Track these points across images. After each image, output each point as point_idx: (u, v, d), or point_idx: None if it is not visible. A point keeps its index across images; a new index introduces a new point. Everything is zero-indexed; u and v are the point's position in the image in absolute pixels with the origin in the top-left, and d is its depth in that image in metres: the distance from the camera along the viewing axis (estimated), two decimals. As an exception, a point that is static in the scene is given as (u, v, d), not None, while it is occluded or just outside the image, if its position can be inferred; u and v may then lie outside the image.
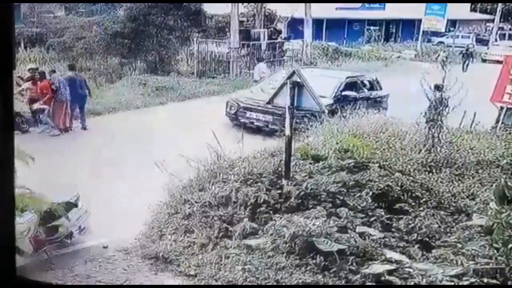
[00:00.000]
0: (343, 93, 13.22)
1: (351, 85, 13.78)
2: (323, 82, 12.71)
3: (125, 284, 6.47)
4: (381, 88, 14.79)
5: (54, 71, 13.33)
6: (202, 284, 6.33)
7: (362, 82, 14.40)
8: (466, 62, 23.79)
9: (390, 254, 6.43)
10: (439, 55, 23.29)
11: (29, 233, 6.50)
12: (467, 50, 25.02)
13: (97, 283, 6.40)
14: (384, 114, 12.62)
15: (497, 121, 11.83)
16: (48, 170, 8.05)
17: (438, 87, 12.20)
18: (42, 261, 6.66)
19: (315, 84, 11.78)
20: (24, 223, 6.36)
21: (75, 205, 7.26)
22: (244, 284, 6.21)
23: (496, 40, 32.05)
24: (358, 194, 7.52)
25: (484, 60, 27.42)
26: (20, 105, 12.63)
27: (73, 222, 7.01)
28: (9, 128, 3.42)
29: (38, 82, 12.48)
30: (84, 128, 13.19)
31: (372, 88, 14.50)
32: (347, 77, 13.92)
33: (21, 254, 6.35)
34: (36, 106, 12.44)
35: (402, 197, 7.63)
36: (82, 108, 13.33)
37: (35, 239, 6.57)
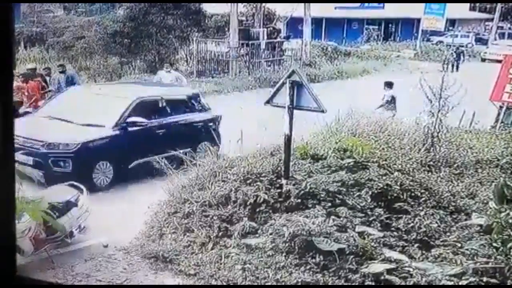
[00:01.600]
0: (130, 119, 9.58)
1: (147, 107, 10.04)
2: (109, 105, 9.96)
3: (125, 283, 6.48)
4: (206, 109, 11.15)
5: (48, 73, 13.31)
6: (201, 283, 6.35)
7: (169, 102, 10.35)
8: (456, 62, 23.48)
9: (389, 253, 6.45)
10: (443, 53, 23.15)
11: (30, 232, 6.51)
12: (457, 49, 24.89)
13: (97, 282, 6.41)
14: (214, 147, 9.40)
15: (497, 120, 11.86)
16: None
17: (388, 84, 12.28)
18: (43, 260, 6.67)
19: (98, 107, 9.78)
20: (25, 222, 6.38)
21: (75, 204, 7.28)
22: (243, 283, 6.23)
23: (495, 39, 32.01)
24: (358, 194, 7.53)
25: (483, 60, 27.39)
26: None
27: (73, 221, 7.03)
28: (10, 128, 3.44)
29: (25, 84, 12.41)
30: None
31: (190, 109, 10.83)
32: (138, 98, 10.02)
33: (22, 253, 6.38)
34: (22, 109, 12.37)
35: (402, 197, 7.63)
36: None
37: (36, 238, 6.59)
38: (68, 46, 19.30)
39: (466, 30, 34.58)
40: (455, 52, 24.28)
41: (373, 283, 6.06)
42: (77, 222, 7.18)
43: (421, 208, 7.47)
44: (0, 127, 3.34)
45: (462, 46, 26.72)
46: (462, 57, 24.75)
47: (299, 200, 7.38)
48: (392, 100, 12.29)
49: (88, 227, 7.34)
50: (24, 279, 4.06)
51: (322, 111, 7.79)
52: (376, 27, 33.70)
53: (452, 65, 22.92)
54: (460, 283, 5.79)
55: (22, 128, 8.68)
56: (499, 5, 31.78)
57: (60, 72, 13.53)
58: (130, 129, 9.52)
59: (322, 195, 7.42)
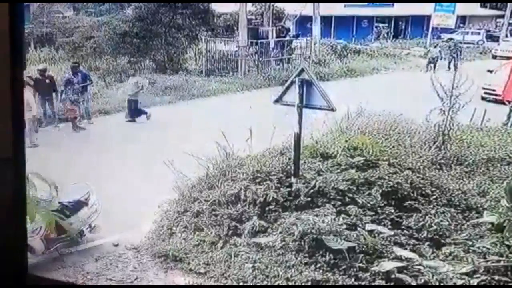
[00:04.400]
0: None
1: None
2: None
3: (135, 282, 6.50)
4: None
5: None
6: (211, 281, 6.36)
7: None
8: (452, 59, 21.82)
9: (400, 251, 6.42)
10: (429, 50, 21.87)
11: (41, 232, 6.56)
12: (455, 45, 23.91)
13: (108, 281, 6.45)
14: None
15: (508, 118, 11.71)
16: (58, 168, 8.11)
17: None
18: (53, 259, 6.72)
19: None
20: (36, 222, 6.41)
21: (86, 204, 7.32)
22: (253, 281, 6.22)
23: (506, 36, 31.61)
24: (368, 192, 7.51)
25: (494, 57, 27.02)
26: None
27: (83, 221, 7.08)
28: (20, 129, 3.46)
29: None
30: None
31: None
32: None
33: (33, 252, 6.43)
34: None
35: (412, 195, 7.59)
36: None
37: (47, 238, 6.63)
38: (78, 46, 19.41)
39: (477, 27, 34.18)
40: (452, 48, 23.20)
41: (383, 282, 6.03)
42: (88, 222, 7.22)
43: (431, 206, 7.43)
44: (11, 129, 3.36)
45: (461, 42, 25.82)
46: (460, 55, 23.37)
47: (309, 199, 7.39)
48: None
49: (99, 226, 7.38)
50: (35, 278, 4.10)
51: (332, 109, 7.77)
52: (386, 24, 33.44)
53: (449, 63, 21.88)
54: (471, 282, 5.76)
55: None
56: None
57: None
58: None
59: (332, 194, 7.41)
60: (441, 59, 21.72)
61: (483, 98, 12.88)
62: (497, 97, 13.09)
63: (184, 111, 14.95)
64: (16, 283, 3.72)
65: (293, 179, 7.67)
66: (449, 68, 20.79)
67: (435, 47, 22.57)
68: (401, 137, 9.45)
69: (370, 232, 6.71)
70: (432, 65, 21.09)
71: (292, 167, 7.80)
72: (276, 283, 6.14)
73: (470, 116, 10.98)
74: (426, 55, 22.33)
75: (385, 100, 12.52)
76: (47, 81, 13.08)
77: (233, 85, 18.26)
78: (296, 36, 24.32)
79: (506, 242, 6.05)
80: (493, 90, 13.43)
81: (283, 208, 7.35)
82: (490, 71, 14.71)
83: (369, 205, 7.29)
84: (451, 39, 30.16)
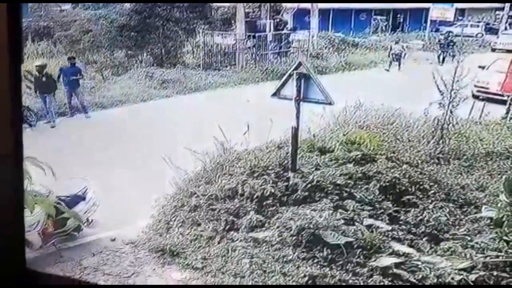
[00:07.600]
0: None
1: None
2: None
3: (132, 276, 6.49)
4: None
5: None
6: (208, 276, 6.34)
7: None
8: (444, 53, 21.03)
9: (397, 247, 6.41)
10: (391, 47, 21.24)
11: (38, 226, 6.54)
12: (446, 38, 22.64)
13: (105, 276, 6.43)
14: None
15: (507, 112, 11.71)
16: (55, 163, 8.06)
17: None
18: (51, 254, 6.70)
19: None
20: (33, 216, 6.39)
21: (83, 198, 7.30)
22: (250, 276, 6.21)
23: (506, 28, 31.52)
24: (365, 187, 7.48)
25: (493, 50, 26.95)
26: (29, 99, 12.76)
27: (81, 215, 7.05)
28: (18, 123, 3.43)
29: None
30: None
31: None
32: None
33: (30, 247, 6.40)
34: None
35: (410, 189, 7.57)
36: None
37: (44, 232, 6.61)
38: (75, 40, 19.34)
39: (476, 19, 34.06)
40: (444, 42, 22.40)
41: (381, 277, 6.02)
42: (85, 216, 7.20)
43: (430, 201, 7.41)
44: (9, 123, 3.33)
45: (459, 35, 25.17)
46: (451, 48, 21.77)
47: (306, 193, 7.36)
48: None
49: (96, 221, 7.36)
50: (33, 272, 4.07)
51: (330, 103, 7.74)
52: (384, 17, 33.34)
53: (439, 57, 21.25)
54: (469, 277, 5.75)
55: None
56: (509, -5, 31.23)
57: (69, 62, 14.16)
58: None
59: (330, 188, 7.39)
60: (404, 56, 20.94)
61: (474, 96, 12.74)
62: (490, 95, 13.01)
63: (181, 105, 14.92)
64: (14, 278, 3.70)
65: (290, 174, 7.64)
66: (440, 62, 20.30)
67: (396, 43, 21.80)
68: (399, 131, 9.45)
69: (368, 227, 6.69)
70: (396, 62, 20.26)
71: (290, 162, 7.77)
72: (273, 278, 6.13)
73: (469, 110, 10.99)
74: (389, 52, 21.46)
75: (383, 93, 12.51)
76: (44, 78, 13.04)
77: (230, 78, 18.22)
78: (294, 29, 24.23)
79: (505, 238, 6.04)
80: (487, 88, 13.36)
81: (281, 203, 7.32)
82: (482, 67, 14.59)
83: (366, 199, 7.26)
84: (450, 32, 30.05)
